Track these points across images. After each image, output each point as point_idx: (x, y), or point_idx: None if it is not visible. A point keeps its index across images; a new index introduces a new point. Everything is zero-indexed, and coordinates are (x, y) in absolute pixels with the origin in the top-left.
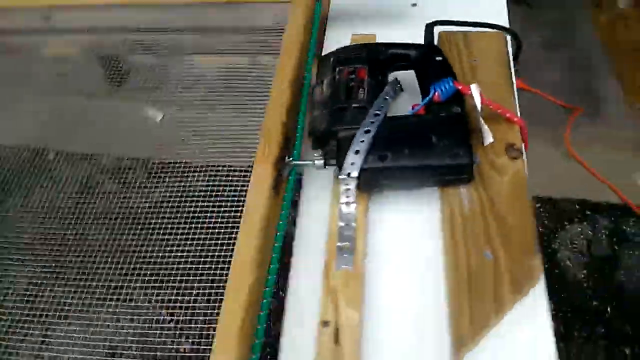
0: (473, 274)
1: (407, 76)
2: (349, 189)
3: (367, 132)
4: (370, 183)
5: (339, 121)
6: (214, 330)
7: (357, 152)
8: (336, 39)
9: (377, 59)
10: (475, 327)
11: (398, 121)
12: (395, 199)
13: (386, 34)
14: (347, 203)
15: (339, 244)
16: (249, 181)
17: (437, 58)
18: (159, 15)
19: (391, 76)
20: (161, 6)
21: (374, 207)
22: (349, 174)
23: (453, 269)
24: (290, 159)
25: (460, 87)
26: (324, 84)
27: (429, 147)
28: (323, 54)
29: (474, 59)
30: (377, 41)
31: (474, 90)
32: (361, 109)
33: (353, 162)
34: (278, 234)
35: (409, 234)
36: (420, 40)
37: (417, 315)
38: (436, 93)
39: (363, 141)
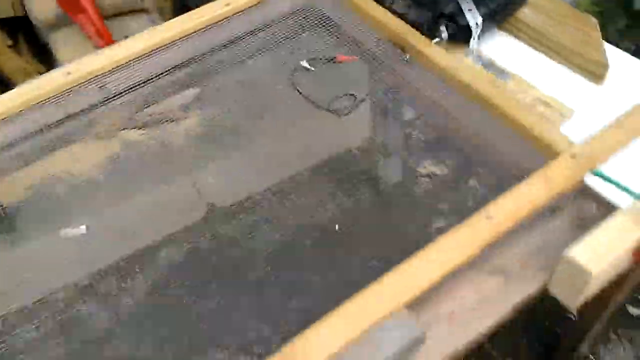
0: None
1: None
2: (475, 39)
3: None
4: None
5: (441, 5)
6: None
7: (469, 10)
8: None
9: None
10: None
11: None
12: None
13: None
14: (472, 51)
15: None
16: None
17: None
18: None
19: None
20: None
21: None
22: (476, 23)
23: None
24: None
25: None
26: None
27: None
28: None
29: None
30: None
31: None
32: None
33: (477, 23)
34: None
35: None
36: None
37: None
38: None
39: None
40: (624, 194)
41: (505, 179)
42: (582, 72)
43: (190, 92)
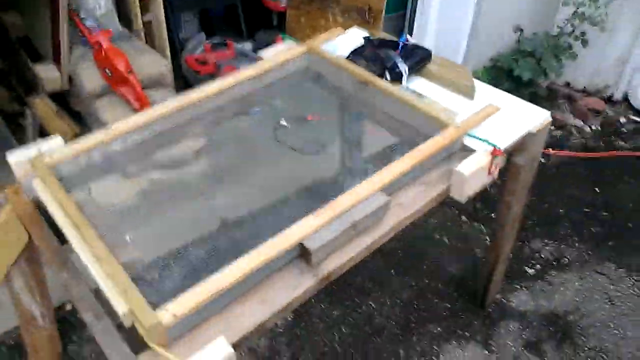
0: None
1: None
2: (405, 80)
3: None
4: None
5: (386, 62)
6: None
7: (400, 64)
8: None
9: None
10: None
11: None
12: None
13: None
14: (404, 86)
15: None
16: None
17: None
18: None
19: None
20: None
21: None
22: (405, 71)
23: None
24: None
25: None
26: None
27: None
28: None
29: None
30: None
31: None
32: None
33: (405, 71)
34: None
35: None
36: None
37: None
38: None
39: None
40: (481, 142)
41: (423, 138)
42: (461, 93)
43: (200, 141)
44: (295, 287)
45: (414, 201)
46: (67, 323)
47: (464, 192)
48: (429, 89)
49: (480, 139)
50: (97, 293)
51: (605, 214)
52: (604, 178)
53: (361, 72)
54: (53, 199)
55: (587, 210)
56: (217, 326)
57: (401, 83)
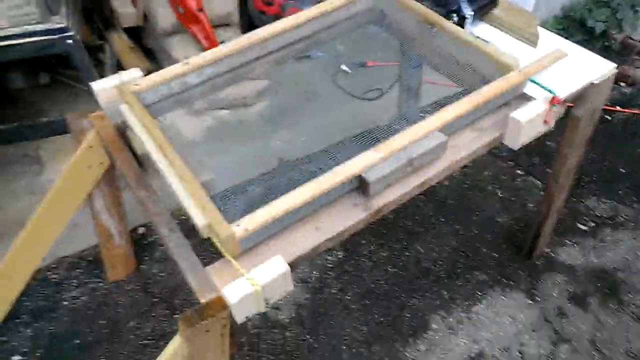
0: None
1: None
2: (468, 24)
3: None
4: None
5: (450, 5)
6: None
7: (465, 8)
8: None
9: None
10: None
11: None
12: None
13: None
14: (467, 30)
15: None
16: None
17: None
18: None
19: None
20: None
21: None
22: (469, 15)
23: None
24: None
25: None
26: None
27: None
28: None
29: None
30: None
31: None
32: None
33: (469, 15)
34: None
35: None
36: None
37: None
38: None
39: None
40: (541, 90)
41: (485, 82)
42: (525, 40)
43: (263, 83)
44: (348, 217)
45: (469, 145)
46: (139, 245)
47: (518, 140)
48: (493, 34)
49: (540, 86)
50: (172, 212)
51: None
52: None
53: (426, 12)
54: (140, 122)
55: None
56: (276, 247)
57: (463, 27)
